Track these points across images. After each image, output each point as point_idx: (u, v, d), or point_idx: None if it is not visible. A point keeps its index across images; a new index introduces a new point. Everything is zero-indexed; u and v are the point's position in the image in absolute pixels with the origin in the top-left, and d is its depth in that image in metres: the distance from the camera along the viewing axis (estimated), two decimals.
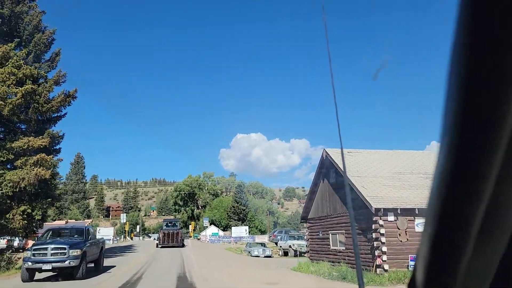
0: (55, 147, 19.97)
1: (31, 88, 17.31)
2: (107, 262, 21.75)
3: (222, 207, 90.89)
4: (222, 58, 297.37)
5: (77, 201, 74.98)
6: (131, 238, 54.83)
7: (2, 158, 16.47)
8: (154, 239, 78.03)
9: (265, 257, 29.40)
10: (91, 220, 56.77)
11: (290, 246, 31.51)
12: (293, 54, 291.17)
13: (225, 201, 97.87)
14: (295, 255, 31.01)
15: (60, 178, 77.17)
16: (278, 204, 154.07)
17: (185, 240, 43.05)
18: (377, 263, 14.04)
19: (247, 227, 44.60)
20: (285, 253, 32.37)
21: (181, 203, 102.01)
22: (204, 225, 49.41)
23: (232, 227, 46.39)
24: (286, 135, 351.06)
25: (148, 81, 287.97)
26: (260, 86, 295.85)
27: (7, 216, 16.61)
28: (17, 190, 16.32)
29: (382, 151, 18.97)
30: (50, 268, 13.28)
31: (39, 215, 17.02)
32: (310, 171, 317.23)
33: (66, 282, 13.28)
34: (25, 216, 16.73)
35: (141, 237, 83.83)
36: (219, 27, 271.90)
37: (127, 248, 33.37)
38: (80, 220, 58.94)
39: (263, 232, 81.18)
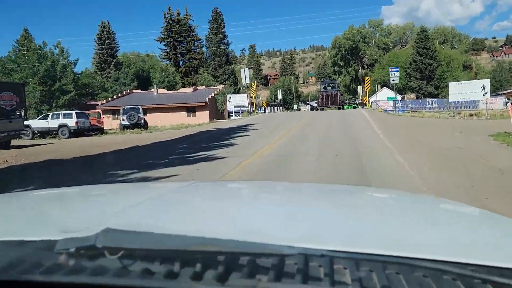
0: None
1: None
2: None
3: (398, 63, 67.01)
4: None
5: (221, 66, 61.69)
6: (264, 110, 38.22)
7: None
8: (312, 107, 62.14)
9: None
10: (223, 86, 42.73)
11: None
12: None
13: (402, 56, 73.79)
14: None
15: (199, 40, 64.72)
16: None
17: (358, 109, 34.68)
18: None
19: (487, 81, 20.66)
20: None
21: (341, 63, 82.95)
22: (392, 80, 27.64)
23: (449, 83, 23.01)
24: None
25: None
26: None
27: None
28: None
29: None
30: None
31: None
32: (496, 20, 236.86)
33: None
34: None
35: (295, 106, 68.81)
36: None
37: (226, 136, 15.31)
38: (211, 86, 45.99)
39: None
